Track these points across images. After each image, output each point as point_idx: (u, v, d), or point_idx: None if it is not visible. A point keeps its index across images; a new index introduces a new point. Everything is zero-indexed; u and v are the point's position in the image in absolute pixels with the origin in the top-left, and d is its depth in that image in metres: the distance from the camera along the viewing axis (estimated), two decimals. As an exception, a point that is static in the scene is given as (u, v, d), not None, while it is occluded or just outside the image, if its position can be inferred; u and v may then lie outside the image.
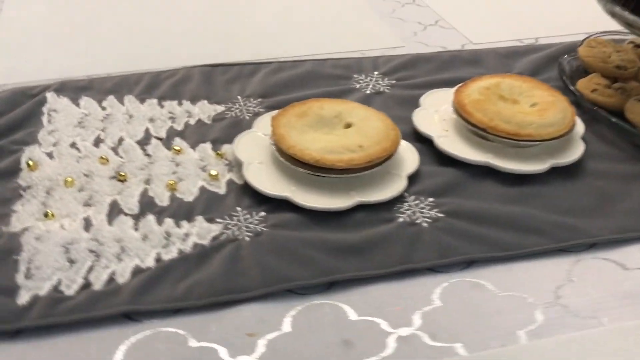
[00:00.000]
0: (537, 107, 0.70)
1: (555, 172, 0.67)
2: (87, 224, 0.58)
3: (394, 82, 0.84)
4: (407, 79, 0.85)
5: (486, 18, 1.06)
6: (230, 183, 0.64)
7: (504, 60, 0.91)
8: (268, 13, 1.04)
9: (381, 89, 0.82)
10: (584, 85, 0.80)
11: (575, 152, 0.68)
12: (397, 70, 0.87)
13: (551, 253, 0.58)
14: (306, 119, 0.65)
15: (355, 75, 0.85)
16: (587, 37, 0.87)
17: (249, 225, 0.59)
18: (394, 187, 0.62)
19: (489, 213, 0.61)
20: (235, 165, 0.66)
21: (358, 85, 0.83)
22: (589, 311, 0.52)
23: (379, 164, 0.62)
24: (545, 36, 1.00)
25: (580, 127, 0.73)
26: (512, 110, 0.69)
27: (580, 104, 0.78)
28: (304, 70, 0.85)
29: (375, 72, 0.86)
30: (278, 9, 1.05)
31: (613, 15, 0.74)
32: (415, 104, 0.76)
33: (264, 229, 0.58)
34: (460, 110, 0.70)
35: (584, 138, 0.71)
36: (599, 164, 0.69)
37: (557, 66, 0.84)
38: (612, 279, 0.55)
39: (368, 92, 0.81)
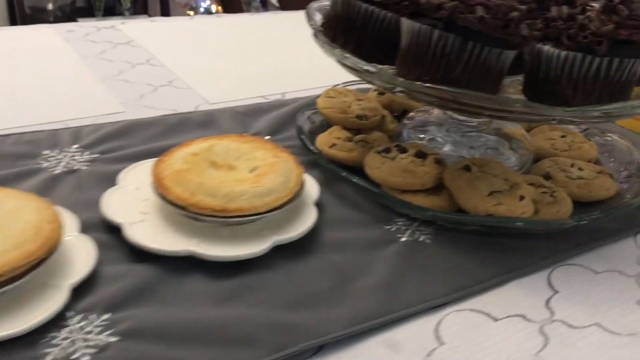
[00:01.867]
0: (256, 172, 0.56)
1: (282, 252, 0.53)
2: None
3: (96, 155, 0.66)
4: (115, 150, 0.68)
5: (227, 74, 0.93)
6: None
7: (243, 118, 0.78)
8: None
9: (76, 167, 0.63)
10: (323, 140, 0.69)
11: (305, 222, 0.55)
12: (104, 140, 0.69)
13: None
14: None
15: (45, 152, 0.66)
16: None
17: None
18: (47, 305, 0.44)
19: (185, 325, 0.44)
20: None
21: (45, 164, 0.64)
22: None
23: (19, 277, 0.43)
24: (294, 90, 0.89)
25: (313, 190, 0.60)
26: (221, 180, 0.54)
27: (319, 164, 0.66)
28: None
29: (74, 146, 0.67)
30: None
31: (340, 61, 0.63)
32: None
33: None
34: (157, 185, 0.54)
35: (318, 204, 0.59)
36: (336, 234, 0.57)
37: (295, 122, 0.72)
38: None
39: (57, 171, 0.62)
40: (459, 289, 0.51)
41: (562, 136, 0.74)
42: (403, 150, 0.63)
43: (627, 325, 0.49)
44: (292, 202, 0.55)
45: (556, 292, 0.52)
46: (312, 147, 0.68)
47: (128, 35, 1.08)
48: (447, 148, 0.69)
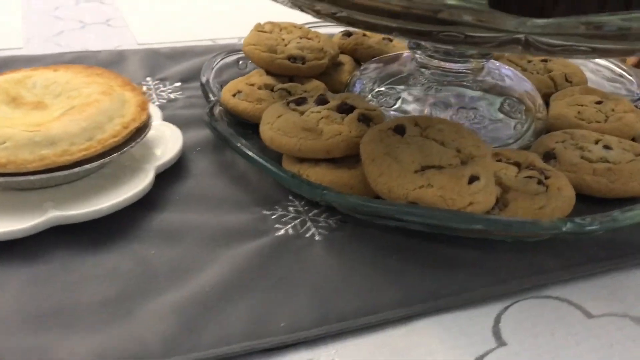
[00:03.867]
0: (71, 112, 0.37)
1: (75, 235, 0.34)
2: None
3: None
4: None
5: (172, 16, 0.75)
6: None
7: (159, 62, 0.60)
8: None
9: None
10: (231, 87, 0.49)
11: (117, 194, 0.36)
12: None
13: None
14: None
15: None
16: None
17: None
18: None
19: None
20: None
21: None
22: None
23: None
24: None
25: (169, 150, 0.41)
26: (6, 122, 0.36)
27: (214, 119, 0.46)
28: None
29: None
30: None
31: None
32: None
33: None
34: None
35: (177, 171, 0.39)
36: (180, 217, 0.37)
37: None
38: None
39: None
40: (325, 327, 0.30)
41: (598, 102, 0.50)
42: (324, 102, 0.42)
43: None
44: (101, 160, 0.36)
45: (503, 344, 0.30)
46: (210, 95, 0.48)
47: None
48: (410, 107, 0.46)
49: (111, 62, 0.59)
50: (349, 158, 0.39)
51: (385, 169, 0.35)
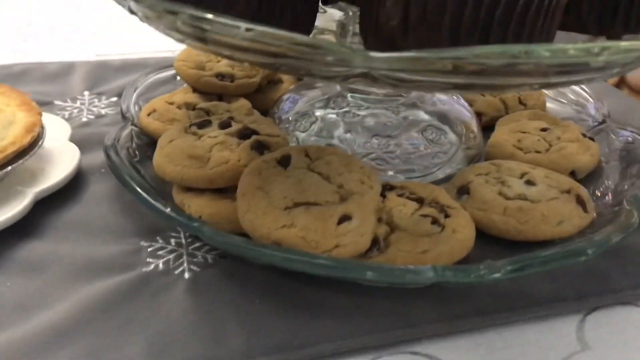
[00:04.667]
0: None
1: None
2: None
3: None
4: None
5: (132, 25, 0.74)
6: None
7: (106, 74, 0.59)
8: None
9: None
10: (150, 105, 0.47)
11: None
12: None
13: None
14: None
15: None
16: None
17: None
18: None
19: None
20: None
21: None
22: None
23: None
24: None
25: (56, 173, 0.39)
26: None
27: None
28: None
29: None
30: None
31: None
32: None
33: None
34: None
35: (63, 197, 0.38)
36: (45, 247, 0.35)
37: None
38: None
39: None
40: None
41: (544, 129, 0.46)
42: (227, 126, 0.40)
43: None
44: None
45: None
46: (128, 113, 0.46)
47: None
48: (324, 131, 0.44)
49: (56, 75, 0.58)
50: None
51: (253, 204, 0.33)
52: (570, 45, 0.24)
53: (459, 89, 0.28)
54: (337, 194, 0.33)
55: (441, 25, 0.25)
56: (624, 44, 0.23)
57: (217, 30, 0.26)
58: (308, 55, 0.25)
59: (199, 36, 0.27)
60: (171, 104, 0.46)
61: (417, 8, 0.25)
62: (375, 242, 0.33)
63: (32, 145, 0.38)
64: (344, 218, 0.32)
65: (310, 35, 0.34)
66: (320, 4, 0.40)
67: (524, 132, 0.46)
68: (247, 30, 0.25)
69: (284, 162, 0.35)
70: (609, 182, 0.42)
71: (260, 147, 0.38)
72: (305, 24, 0.32)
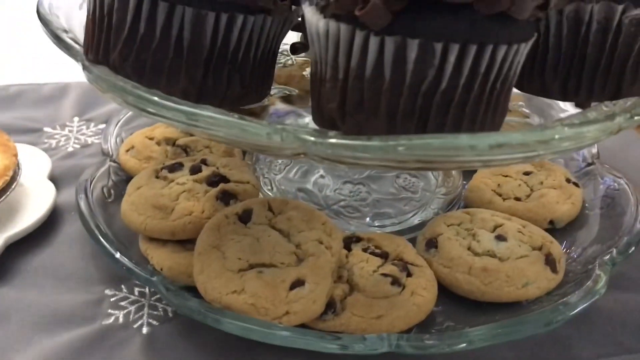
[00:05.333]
0: None
1: None
2: None
3: None
4: None
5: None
6: None
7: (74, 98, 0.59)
8: None
9: None
10: (130, 139, 0.48)
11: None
12: None
13: None
14: None
15: None
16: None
17: None
18: None
19: None
20: None
21: None
22: None
23: None
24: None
25: (24, 219, 0.40)
26: None
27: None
28: None
29: None
30: None
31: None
32: None
33: None
34: None
35: (37, 241, 0.39)
36: (15, 294, 0.36)
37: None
38: None
39: None
40: None
41: (527, 173, 0.45)
42: (197, 171, 0.40)
43: None
44: None
45: None
46: (107, 146, 0.47)
47: None
48: (297, 177, 0.43)
49: (50, 98, 0.58)
50: (200, 239, 0.37)
51: (207, 265, 0.33)
52: (506, 138, 0.23)
53: (406, 169, 0.28)
54: (294, 254, 0.33)
55: (377, 111, 0.24)
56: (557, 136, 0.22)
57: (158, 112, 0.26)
58: (243, 139, 0.25)
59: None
60: (151, 139, 0.47)
61: (353, 93, 0.24)
62: (331, 304, 0.33)
63: (4, 189, 0.39)
64: (297, 283, 0.31)
65: (265, 100, 0.33)
66: (290, 54, 0.40)
67: (506, 176, 0.45)
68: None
69: (245, 217, 0.35)
70: (587, 235, 0.41)
71: (227, 197, 0.38)
72: (259, 91, 0.32)
